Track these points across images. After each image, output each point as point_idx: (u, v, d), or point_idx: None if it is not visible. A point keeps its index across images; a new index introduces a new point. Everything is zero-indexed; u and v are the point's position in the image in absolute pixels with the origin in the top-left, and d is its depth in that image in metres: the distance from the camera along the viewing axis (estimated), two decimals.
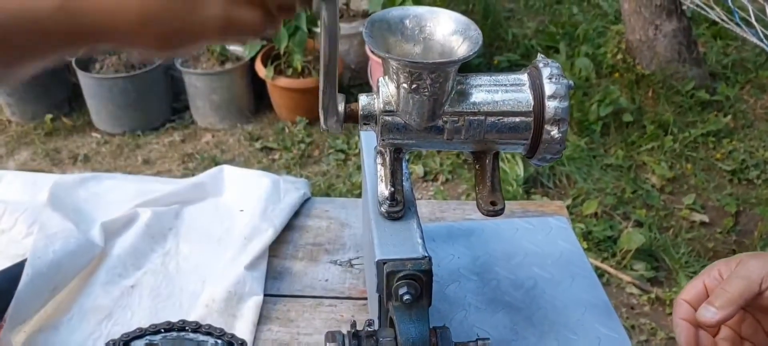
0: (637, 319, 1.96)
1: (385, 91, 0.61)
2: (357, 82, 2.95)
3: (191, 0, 0.47)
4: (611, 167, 2.53)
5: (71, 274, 0.78)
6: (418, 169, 2.51)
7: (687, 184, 2.47)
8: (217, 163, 2.53)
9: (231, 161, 2.57)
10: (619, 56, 2.90)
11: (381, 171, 0.66)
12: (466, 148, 0.64)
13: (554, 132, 0.60)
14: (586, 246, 2.18)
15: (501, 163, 2.41)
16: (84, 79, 2.62)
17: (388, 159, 0.65)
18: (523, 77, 0.62)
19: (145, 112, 2.69)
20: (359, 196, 2.47)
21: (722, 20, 2.05)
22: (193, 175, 2.45)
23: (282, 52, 2.56)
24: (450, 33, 0.62)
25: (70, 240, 0.79)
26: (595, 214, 2.31)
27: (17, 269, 0.74)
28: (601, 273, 2.09)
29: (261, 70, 2.62)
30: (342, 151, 2.59)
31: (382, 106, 0.61)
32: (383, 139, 0.63)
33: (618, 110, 2.69)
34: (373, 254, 0.62)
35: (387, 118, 0.61)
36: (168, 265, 0.85)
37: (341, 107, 0.61)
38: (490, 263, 0.81)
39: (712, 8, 2.09)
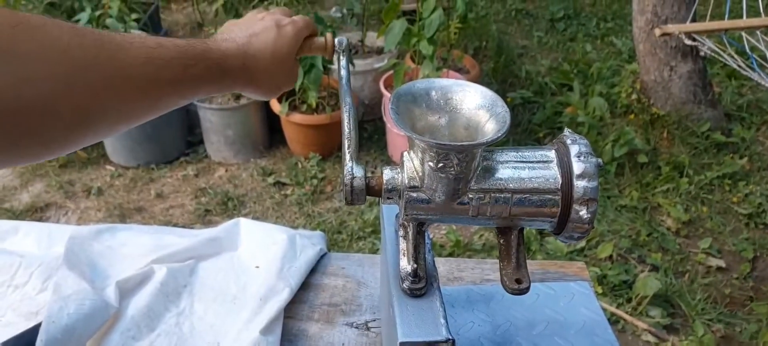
0: None
1: (410, 166, 0.60)
2: (371, 117, 2.96)
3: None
4: (626, 209, 2.50)
5: (85, 337, 0.77)
6: None
7: (703, 227, 2.44)
8: (229, 199, 2.53)
9: (243, 196, 2.56)
10: (634, 96, 2.89)
11: (403, 245, 0.64)
12: (491, 224, 0.62)
13: (583, 212, 0.58)
14: (600, 291, 2.15)
15: None
16: None
17: (411, 233, 0.64)
18: (551, 154, 0.60)
19: (159, 146, 2.70)
20: (371, 234, 2.44)
21: (740, 67, 2.04)
22: (205, 210, 2.47)
23: (297, 88, 2.56)
24: (476, 107, 0.61)
25: (85, 302, 0.78)
26: (610, 257, 2.28)
27: (31, 333, 0.73)
28: (616, 320, 2.05)
29: (275, 106, 2.63)
30: None
31: (406, 181, 0.60)
32: (407, 214, 0.62)
33: (633, 151, 2.67)
34: (394, 332, 0.60)
35: (411, 193, 0.60)
36: (182, 325, 0.84)
37: (362, 181, 0.60)
38: (512, 333, 0.79)
39: (730, 56, 2.08)
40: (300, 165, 2.70)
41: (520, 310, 0.84)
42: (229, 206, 2.50)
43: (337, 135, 2.75)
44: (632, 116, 2.87)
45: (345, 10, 3.26)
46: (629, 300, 2.13)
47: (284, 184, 2.63)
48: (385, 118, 2.72)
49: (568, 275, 0.96)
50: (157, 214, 2.47)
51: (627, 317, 2.06)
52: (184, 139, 2.80)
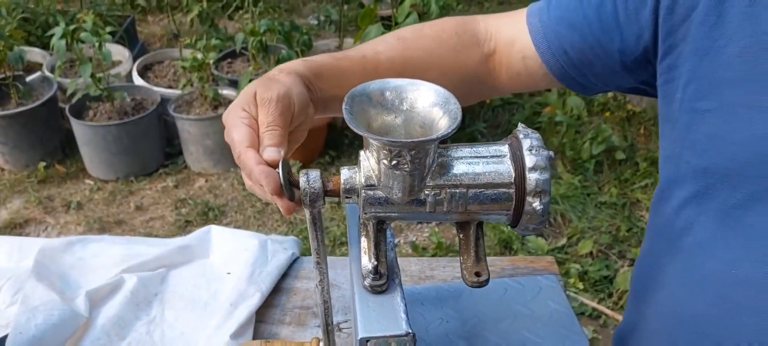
0: None
1: (367, 165, 0.61)
2: None
3: None
4: (605, 205, 2.53)
5: None
6: None
7: None
8: (210, 209, 2.53)
9: (224, 206, 2.56)
10: (610, 94, 2.92)
11: (364, 243, 0.65)
12: (449, 219, 0.63)
13: (536, 204, 0.59)
14: (582, 287, 2.17)
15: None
16: (77, 126, 2.62)
17: (371, 231, 0.64)
18: (504, 149, 0.62)
19: (138, 158, 2.69)
20: None
21: None
22: (185, 221, 2.46)
23: None
24: (430, 105, 0.62)
25: (54, 312, 0.78)
26: (591, 253, 2.31)
27: None
28: (597, 315, 2.07)
29: None
30: None
31: (363, 180, 0.61)
32: (365, 213, 0.62)
33: (610, 148, 2.70)
34: (356, 330, 0.61)
35: (369, 192, 0.61)
36: (153, 333, 0.84)
37: (319, 184, 0.61)
38: (480, 327, 0.80)
39: None
40: None
41: (488, 305, 0.85)
42: (209, 216, 2.50)
43: (317, 141, 2.76)
44: (609, 114, 2.91)
45: (322, 17, 3.27)
46: (610, 295, 2.15)
47: None
48: None
49: (538, 270, 0.97)
50: (137, 226, 2.46)
51: (608, 312, 2.08)
52: (162, 151, 2.79)
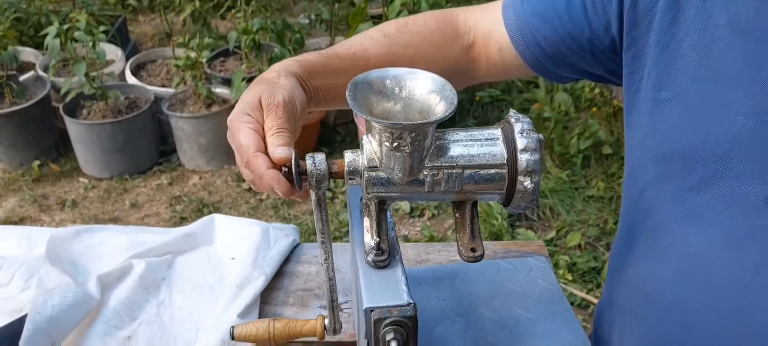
0: None
1: (369, 148, 0.65)
2: (343, 120, 3.01)
3: None
4: (593, 199, 2.58)
5: (69, 327, 0.81)
6: (405, 206, 2.54)
7: None
8: (204, 205, 2.56)
9: (219, 202, 2.59)
10: (597, 90, 2.98)
11: (367, 222, 0.69)
12: (446, 198, 0.68)
13: (527, 183, 0.64)
14: (571, 278, 2.22)
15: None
16: (71, 124, 2.64)
17: (373, 211, 0.69)
18: (497, 132, 0.66)
19: (132, 156, 2.72)
20: (346, 234, 2.50)
21: None
22: (180, 218, 2.49)
23: None
24: (428, 92, 0.66)
25: (68, 294, 0.82)
26: (579, 246, 2.36)
27: (17, 325, 0.76)
28: (586, 305, 2.13)
29: None
30: (329, 189, 2.63)
31: (366, 162, 0.65)
32: (368, 193, 0.67)
33: (597, 143, 2.75)
34: (361, 302, 0.65)
35: (371, 173, 0.65)
36: (162, 315, 0.88)
37: (324, 167, 0.65)
38: (475, 305, 0.85)
39: None
40: None
41: (482, 284, 0.89)
42: (204, 213, 2.53)
43: (311, 136, 2.79)
44: (595, 109, 2.97)
45: (313, 16, 3.31)
46: (598, 285, 2.21)
47: None
48: (356, 121, 2.77)
49: (528, 252, 1.02)
50: (132, 223, 2.49)
51: (596, 301, 2.13)
52: (156, 149, 2.82)
